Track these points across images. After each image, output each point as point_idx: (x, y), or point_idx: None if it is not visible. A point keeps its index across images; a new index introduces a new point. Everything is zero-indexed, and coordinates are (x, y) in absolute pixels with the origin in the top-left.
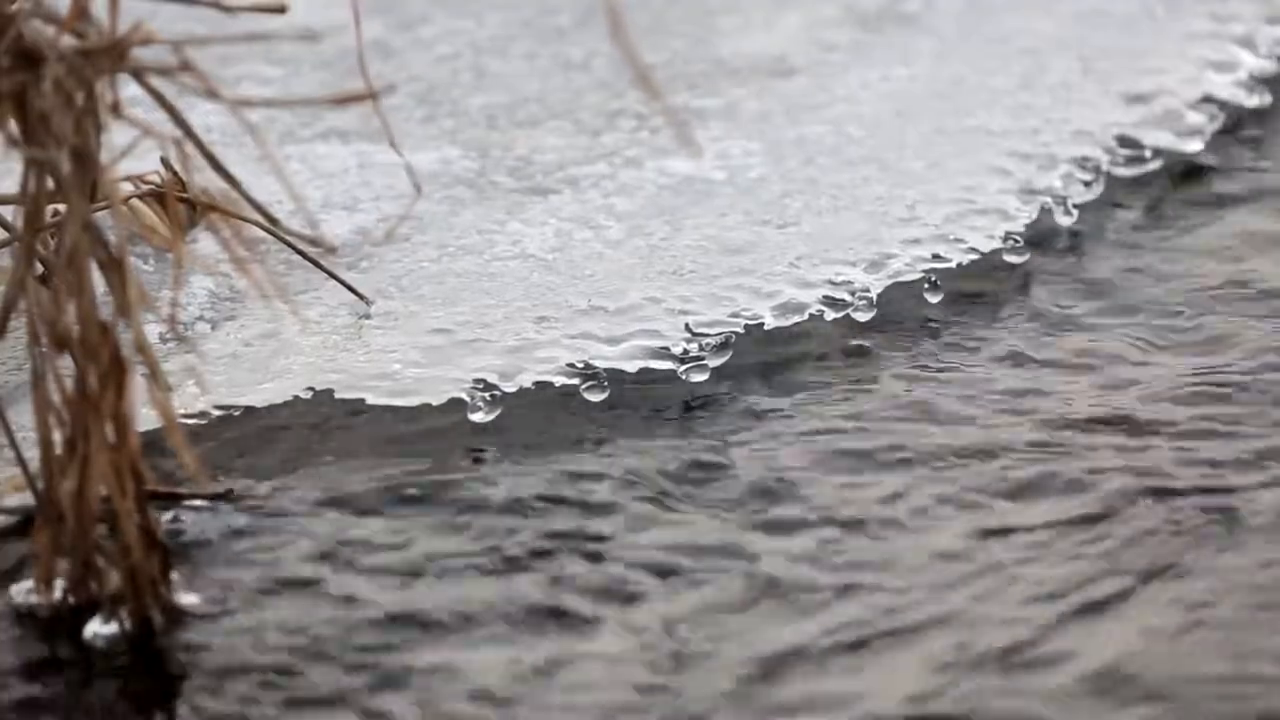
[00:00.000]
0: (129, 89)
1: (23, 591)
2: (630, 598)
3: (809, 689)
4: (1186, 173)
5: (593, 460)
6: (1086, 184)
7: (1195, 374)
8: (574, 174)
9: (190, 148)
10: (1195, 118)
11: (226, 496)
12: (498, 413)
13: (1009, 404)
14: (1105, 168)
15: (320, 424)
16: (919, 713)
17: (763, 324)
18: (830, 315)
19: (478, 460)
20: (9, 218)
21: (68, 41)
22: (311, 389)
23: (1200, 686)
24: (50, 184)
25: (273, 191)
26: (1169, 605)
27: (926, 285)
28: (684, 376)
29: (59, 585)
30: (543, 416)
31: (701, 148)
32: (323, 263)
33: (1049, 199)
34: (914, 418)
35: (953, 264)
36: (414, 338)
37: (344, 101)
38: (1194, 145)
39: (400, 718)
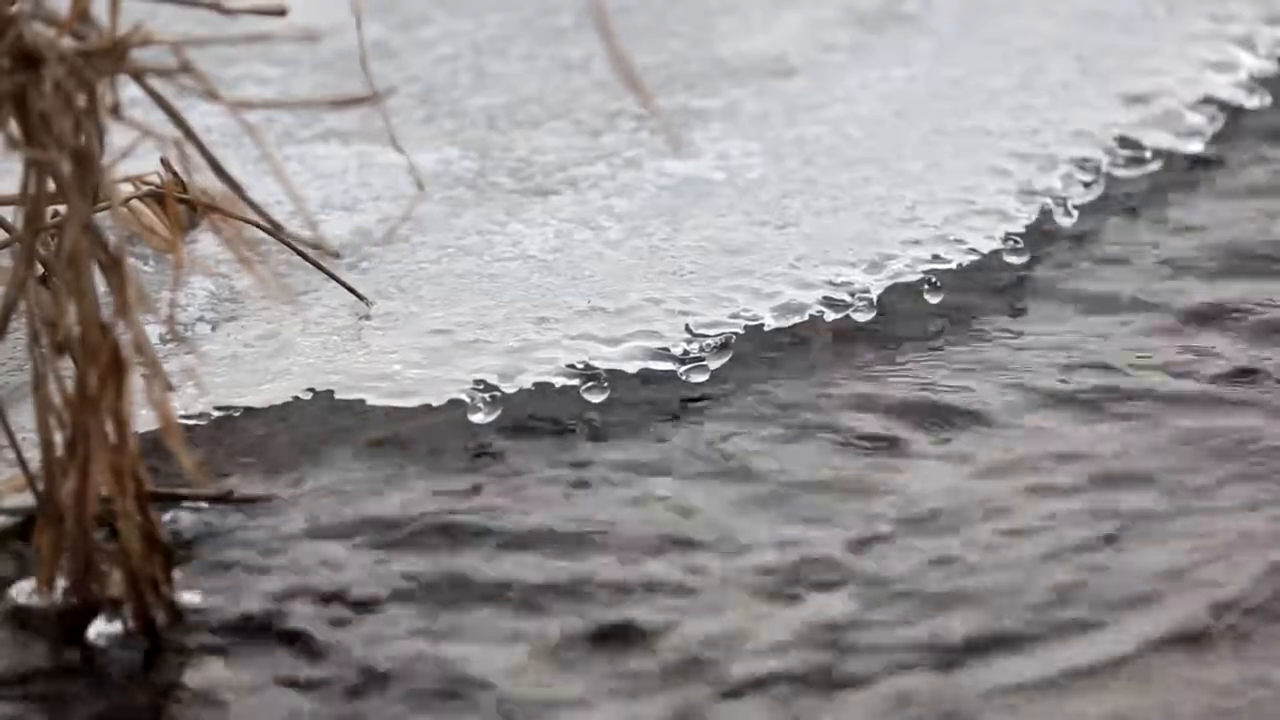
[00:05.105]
0: (129, 90)
1: (24, 592)
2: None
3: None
4: (1186, 173)
5: (591, 461)
6: (1086, 185)
7: (1194, 376)
8: (574, 175)
9: (190, 149)
10: (1195, 118)
11: (227, 497)
12: (498, 413)
13: (1010, 405)
14: (1105, 168)
15: (320, 424)
16: None
17: (763, 325)
18: (830, 316)
19: (478, 462)
20: (9, 218)
21: (68, 43)
22: (311, 389)
23: None
24: (50, 185)
25: (272, 192)
26: None
27: (926, 286)
28: (684, 377)
29: (61, 586)
30: (542, 417)
31: (696, 148)
32: (323, 264)
33: (1049, 200)
34: (916, 419)
35: (952, 265)
36: (414, 338)
37: (344, 103)
38: (1194, 146)
39: (402, 715)
